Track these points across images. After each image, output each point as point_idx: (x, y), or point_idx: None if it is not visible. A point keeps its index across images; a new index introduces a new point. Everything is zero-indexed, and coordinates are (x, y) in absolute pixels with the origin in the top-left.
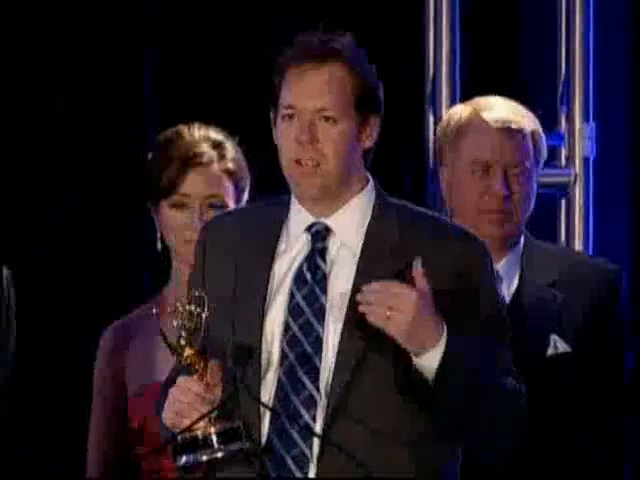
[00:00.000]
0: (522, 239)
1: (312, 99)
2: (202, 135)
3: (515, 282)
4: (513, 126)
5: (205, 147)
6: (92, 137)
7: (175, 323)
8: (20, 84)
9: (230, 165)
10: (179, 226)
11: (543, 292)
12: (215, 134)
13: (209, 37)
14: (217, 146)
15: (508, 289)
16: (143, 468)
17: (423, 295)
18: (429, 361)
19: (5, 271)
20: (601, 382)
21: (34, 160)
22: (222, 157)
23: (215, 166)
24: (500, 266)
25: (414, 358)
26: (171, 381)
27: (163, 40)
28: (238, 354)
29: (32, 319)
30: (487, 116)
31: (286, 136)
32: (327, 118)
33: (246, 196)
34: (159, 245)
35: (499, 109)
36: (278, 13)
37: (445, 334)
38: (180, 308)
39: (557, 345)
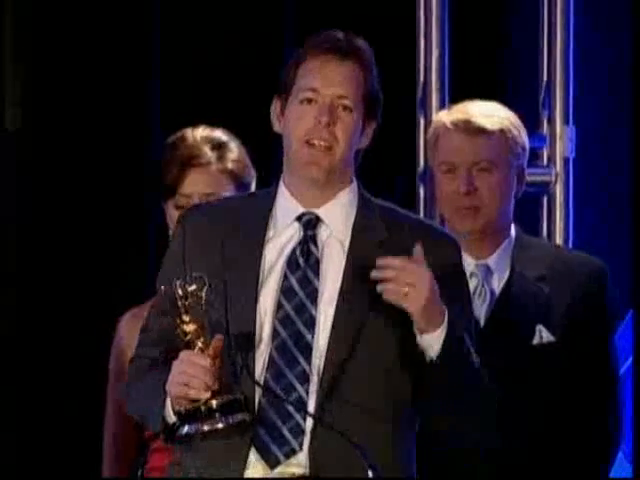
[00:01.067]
0: (513, 234)
1: (335, 86)
2: (204, 137)
3: (506, 275)
4: (474, 126)
5: (205, 148)
6: (101, 137)
7: (179, 300)
8: (27, 87)
9: (230, 165)
10: None
11: (532, 285)
12: (218, 135)
13: (217, 41)
14: (218, 147)
15: (499, 281)
16: (152, 447)
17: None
18: (434, 340)
19: None
20: (585, 370)
21: (46, 161)
22: (221, 158)
23: (214, 166)
24: (491, 260)
25: (419, 337)
26: (139, 357)
27: (171, 45)
28: (240, 340)
29: (56, 308)
30: (452, 119)
31: (304, 117)
32: (345, 107)
33: None
34: (171, 237)
35: (466, 111)
36: (277, 21)
37: (447, 316)
38: (180, 287)
39: (542, 335)
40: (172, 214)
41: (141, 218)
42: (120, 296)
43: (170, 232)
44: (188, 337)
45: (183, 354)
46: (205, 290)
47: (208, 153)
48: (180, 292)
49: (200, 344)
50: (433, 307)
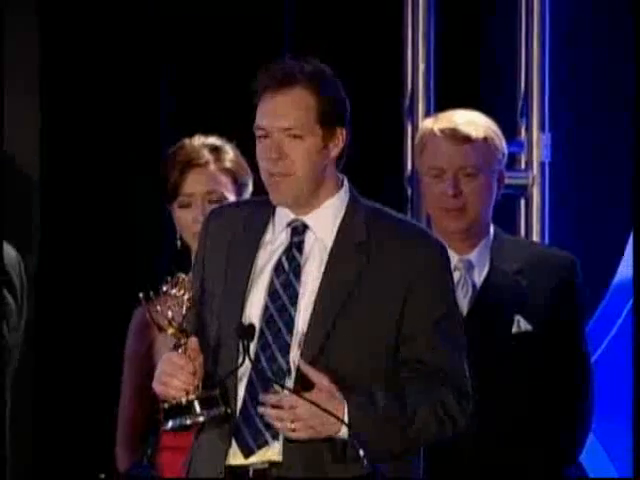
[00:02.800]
0: (492, 232)
1: (279, 120)
2: (201, 142)
3: (485, 269)
4: (460, 134)
5: (203, 151)
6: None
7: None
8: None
9: (227, 164)
10: (187, 223)
11: (510, 278)
12: (213, 140)
13: (217, 47)
14: (214, 150)
15: (479, 276)
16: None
17: (320, 390)
18: (342, 434)
19: (18, 257)
20: (560, 357)
21: (64, 166)
22: (218, 158)
23: (212, 166)
24: (472, 255)
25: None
26: None
27: (179, 55)
28: (243, 332)
29: (75, 304)
30: (439, 127)
31: (260, 154)
32: (294, 136)
33: (249, 193)
34: (179, 244)
35: (452, 120)
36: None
37: (347, 410)
38: (164, 291)
39: (520, 324)
40: (178, 214)
41: (156, 218)
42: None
43: (178, 233)
44: (172, 337)
45: (165, 355)
46: (187, 294)
47: (206, 155)
48: (163, 296)
49: (183, 344)
50: (324, 425)
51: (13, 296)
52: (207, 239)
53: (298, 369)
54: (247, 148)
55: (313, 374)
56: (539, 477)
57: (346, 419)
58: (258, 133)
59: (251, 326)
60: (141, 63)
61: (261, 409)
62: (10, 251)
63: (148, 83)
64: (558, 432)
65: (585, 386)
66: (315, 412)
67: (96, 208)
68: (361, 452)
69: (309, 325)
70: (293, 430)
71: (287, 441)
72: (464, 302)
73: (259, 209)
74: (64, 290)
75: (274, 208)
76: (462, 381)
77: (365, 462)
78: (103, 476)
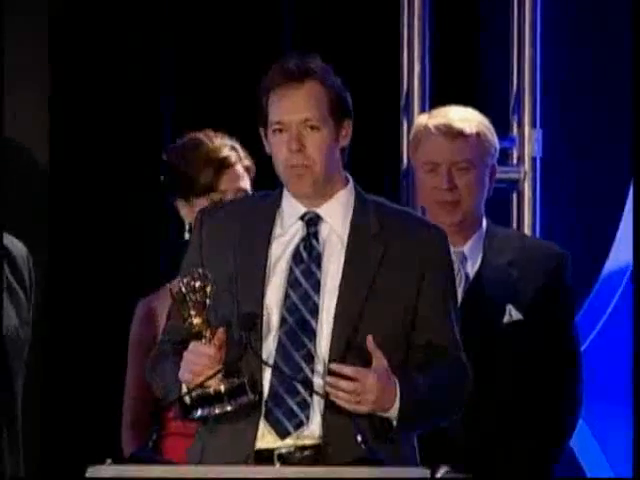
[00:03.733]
0: (484, 225)
1: (297, 113)
2: (222, 142)
3: (478, 261)
4: (454, 130)
5: (227, 151)
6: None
7: (185, 295)
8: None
9: (247, 162)
10: None
11: (501, 269)
12: (227, 139)
13: (220, 48)
14: (234, 148)
15: (472, 267)
16: (169, 415)
17: (380, 369)
18: (390, 414)
19: (25, 250)
20: (550, 344)
21: (72, 160)
22: (239, 157)
23: (239, 165)
24: (466, 247)
25: (378, 412)
26: (163, 343)
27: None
28: (244, 321)
29: (79, 297)
30: (434, 123)
31: (278, 146)
32: (312, 127)
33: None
34: (187, 236)
35: (446, 116)
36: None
37: (399, 392)
38: (184, 285)
39: (512, 314)
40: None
41: (159, 216)
42: (140, 283)
43: (186, 226)
44: (195, 329)
45: (192, 345)
46: (209, 286)
47: (231, 154)
48: (185, 290)
49: (207, 335)
50: (384, 399)
51: (24, 291)
52: (204, 237)
53: (326, 354)
54: (247, 145)
55: (378, 354)
56: (530, 463)
57: (398, 399)
58: (274, 127)
59: (254, 315)
60: (142, 60)
61: (330, 379)
62: (20, 246)
63: (150, 79)
64: (549, 417)
65: (574, 371)
66: (381, 387)
67: (102, 204)
68: (359, 438)
69: (337, 310)
70: (358, 402)
71: (324, 421)
72: (458, 293)
73: (258, 205)
74: (71, 283)
75: (278, 203)
76: (463, 355)
77: (364, 447)
78: (109, 461)
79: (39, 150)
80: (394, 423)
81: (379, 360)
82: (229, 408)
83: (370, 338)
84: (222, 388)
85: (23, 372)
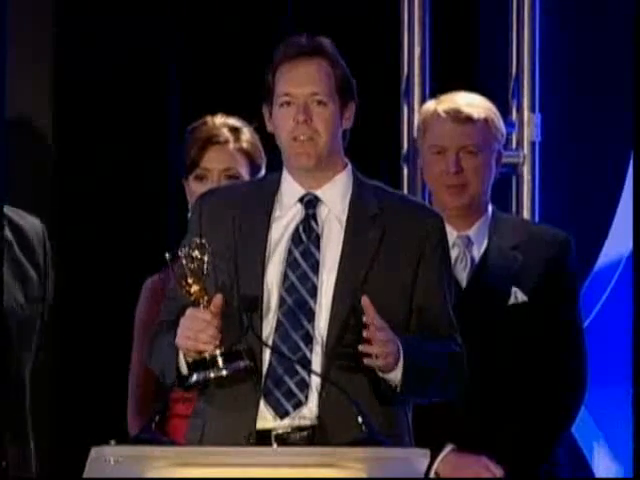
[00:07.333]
0: (490, 210)
1: (305, 86)
2: (222, 121)
3: (484, 245)
4: (462, 115)
5: (223, 130)
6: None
7: (184, 264)
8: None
9: (245, 145)
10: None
11: (507, 253)
12: (234, 121)
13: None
14: (234, 130)
15: (478, 251)
16: (175, 396)
17: (381, 327)
18: (394, 375)
19: (40, 226)
20: (554, 325)
21: (79, 149)
22: (237, 139)
23: (231, 145)
24: (471, 231)
25: (380, 374)
26: (160, 324)
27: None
28: (246, 303)
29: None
30: (442, 108)
31: (285, 119)
32: (319, 102)
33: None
34: (190, 215)
35: (455, 102)
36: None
37: (402, 351)
38: (185, 253)
39: (517, 296)
40: (192, 187)
41: (163, 198)
42: (145, 265)
43: (190, 206)
44: (193, 297)
45: (189, 311)
46: (207, 255)
47: (226, 133)
48: (184, 259)
49: (204, 302)
50: (391, 359)
51: (35, 267)
52: (203, 219)
53: (324, 334)
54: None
55: (376, 316)
56: (533, 445)
57: (401, 358)
58: (281, 100)
59: (254, 298)
60: (148, 53)
61: (362, 347)
62: (34, 222)
63: (156, 71)
64: (553, 399)
65: (579, 352)
66: (393, 339)
67: (108, 184)
68: (359, 419)
69: (336, 291)
70: (377, 356)
71: (322, 402)
72: (463, 276)
73: (257, 188)
74: (77, 263)
75: (277, 186)
76: (458, 336)
77: (364, 428)
78: (114, 442)
79: (43, 138)
80: (398, 384)
81: (381, 322)
82: (224, 373)
83: (366, 297)
84: (217, 352)
85: (32, 347)
